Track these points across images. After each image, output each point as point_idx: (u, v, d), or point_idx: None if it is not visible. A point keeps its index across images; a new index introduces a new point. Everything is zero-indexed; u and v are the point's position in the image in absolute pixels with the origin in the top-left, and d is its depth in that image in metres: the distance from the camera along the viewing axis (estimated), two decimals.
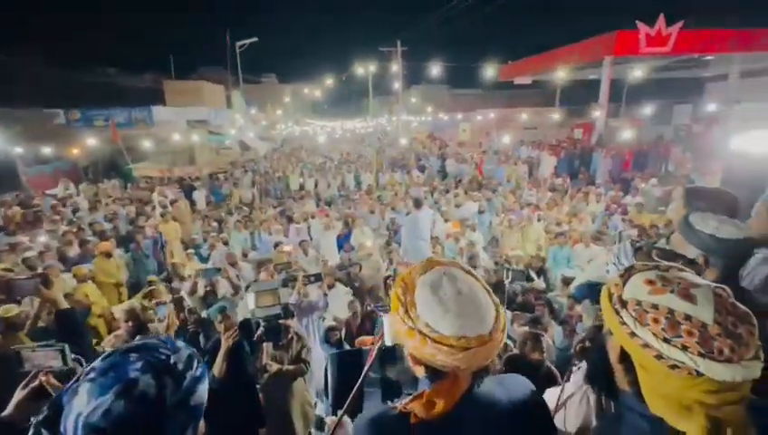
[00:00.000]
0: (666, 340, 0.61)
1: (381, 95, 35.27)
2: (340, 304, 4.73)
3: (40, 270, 5.41)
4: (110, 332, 4.49)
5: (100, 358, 0.62)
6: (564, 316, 4.26)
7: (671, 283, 0.66)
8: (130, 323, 2.78)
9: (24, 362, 1.10)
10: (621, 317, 0.67)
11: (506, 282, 3.08)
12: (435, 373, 0.78)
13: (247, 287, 5.24)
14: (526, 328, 3.14)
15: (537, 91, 24.27)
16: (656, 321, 0.63)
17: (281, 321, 2.84)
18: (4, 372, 1.15)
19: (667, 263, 0.75)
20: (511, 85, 20.37)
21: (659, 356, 0.62)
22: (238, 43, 21.19)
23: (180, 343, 0.67)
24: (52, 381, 1.06)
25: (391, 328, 1.29)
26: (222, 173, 14.60)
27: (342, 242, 7.63)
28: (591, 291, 1.28)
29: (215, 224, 9.12)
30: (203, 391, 0.65)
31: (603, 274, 1.31)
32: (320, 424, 1.78)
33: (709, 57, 13.39)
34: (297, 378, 3.01)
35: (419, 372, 0.82)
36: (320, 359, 3.56)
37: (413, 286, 0.79)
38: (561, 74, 15.87)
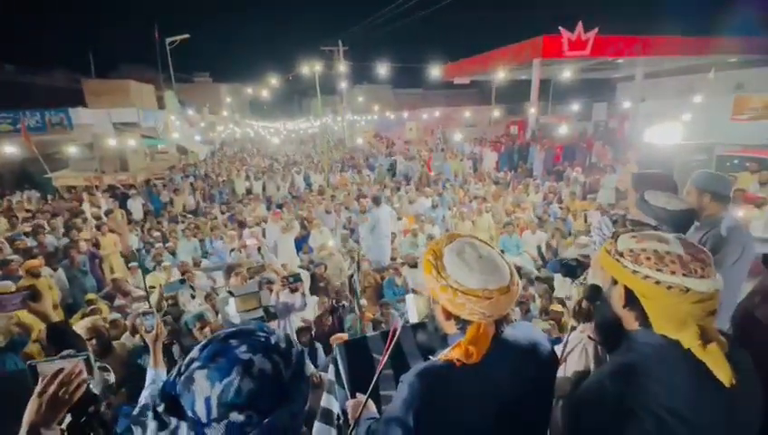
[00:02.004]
0: (658, 270, 0.84)
1: (325, 95, 34.94)
2: (309, 305, 4.71)
3: None
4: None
5: (197, 348, 0.65)
6: (520, 297, 4.65)
7: (649, 235, 0.92)
8: (94, 341, 2.57)
9: (40, 375, 1.05)
10: (621, 263, 0.90)
11: None
12: (463, 326, 0.95)
13: (207, 296, 5.02)
14: None
15: (476, 91, 25.70)
16: (648, 259, 0.86)
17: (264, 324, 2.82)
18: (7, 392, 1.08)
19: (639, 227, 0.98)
20: (452, 85, 21.33)
21: (657, 282, 0.84)
22: (168, 40, 19.75)
23: (271, 327, 0.72)
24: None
25: (416, 304, 1.40)
26: (159, 179, 13.58)
27: (300, 244, 7.54)
28: (562, 266, 1.48)
29: (157, 234, 8.51)
30: (308, 362, 0.71)
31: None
32: (327, 415, 1.77)
33: (620, 60, 15.12)
34: None
35: (450, 327, 0.99)
36: None
37: (441, 254, 0.96)
38: (496, 75, 16.94)
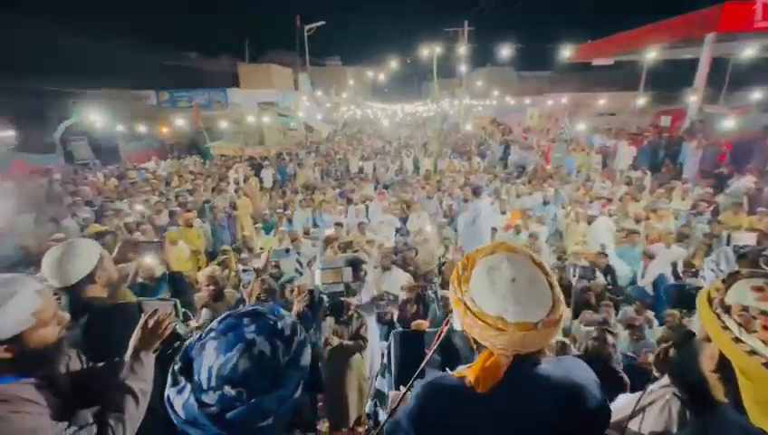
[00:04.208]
0: None
1: (444, 78, 34.35)
2: (395, 286, 4.84)
3: (137, 234, 6.24)
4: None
5: (217, 320, 0.73)
6: (630, 319, 3.97)
7: None
8: (211, 287, 3.12)
9: (145, 311, 1.34)
10: (723, 322, 0.65)
11: (573, 280, 2.93)
12: (478, 347, 0.86)
13: (308, 263, 5.56)
14: (590, 328, 2.99)
15: (617, 74, 21.96)
16: (765, 328, 0.61)
17: (343, 298, 3.01)
18: (126, 318, 1.39)
19: None
20: (586, 67, 18.65)
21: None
22: (306, 27, 21.76)
23: (284, 312, 0.77)
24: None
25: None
26: (288, 154, 15.36)
27: (399, 226, 7.73)
28: (679, 294, 1.19)
29: (280, 202, 9.70)
30: (308, 353, 0.74)
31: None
32: (380, 397, 1.90)
33: None
34: (355, 353, 3.18)
35: (472, 343, 0.91)
36: (374, 337, 3.71)
37: (473, 264, 0.87)
38: (649, 54, 14.22)
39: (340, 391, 3.17)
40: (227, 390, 0.64)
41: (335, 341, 3.03)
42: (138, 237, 5.88)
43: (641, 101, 16.09)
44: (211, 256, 7.02)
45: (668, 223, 6.99)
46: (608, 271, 5.80)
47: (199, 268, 6.13)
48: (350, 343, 3.09)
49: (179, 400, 0.65)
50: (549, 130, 17.93)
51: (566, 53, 15.42)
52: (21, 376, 1.11)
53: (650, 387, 0.98)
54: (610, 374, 2.11)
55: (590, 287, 5.06)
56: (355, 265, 4.38)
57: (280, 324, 0.72)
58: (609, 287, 5.48)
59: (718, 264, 1.05)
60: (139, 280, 4.19)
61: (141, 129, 13.87)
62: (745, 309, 0.64)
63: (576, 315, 4.63)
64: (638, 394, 0.99)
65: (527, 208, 7.90)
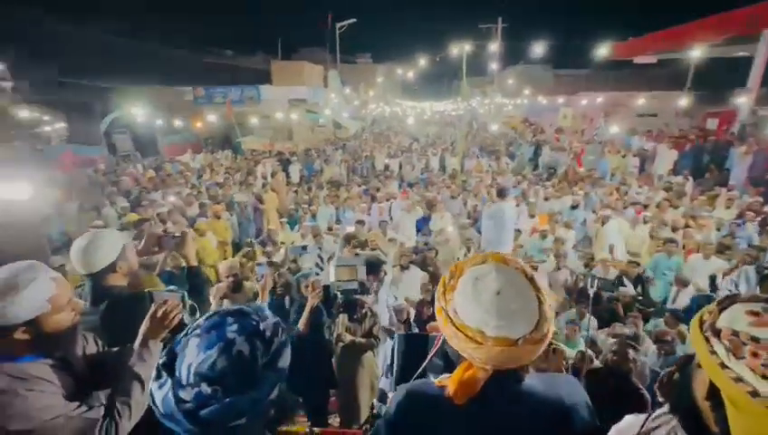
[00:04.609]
0: (766, 377, 0.54)
1: (475, 76, 33.69)
2: (413, 285, 4.82)
3: (169, 224, 6.52)
4: (217, 282, 5.27)
5: (204, 317, 0.74)
6: (660, 333, 3.74)
7: None
8: (231, 278, 3.21)
9: (156, 301, 1.40)
10: (711, 345, 0.61)
11: (590, 291, 2.81)
12: (458, 357, 0.84)
13: (329, 259, 5.63)
14: (614, 340, 2.85)
15: (660, 72, 20.73)
16: (755, 355, 0.56)
17: (357, 296, 3.03)
18: (139, 307, 1.45)
19: None
20: (626, 65, 17.75)
21: (755, 393, 0.54)
22: (338, 25, 21.96)
23: (268, 313, 0.77)
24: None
25: None
26: (315, 150, 15.59)
27: (421, 225, 7.68)
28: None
29: (305, 197, 9.86)
30: (287, 355, 0.74)
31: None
32: (382, 397, 1.91)
33: None
34: (367, 351, 3.19)
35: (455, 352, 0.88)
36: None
37: (461, 273, 0.84)
38: (696, 52, 13.36)
39: (352, 389, 3.19)
40: (204, 387, 0.65)
41: (347, 338, 3.05)
42: (168, 228, 6.16)
43: (686, 101, 15.13)
44: (237, 247, 7.24)
45: (709, 233, 6.55)
46: (638, 281, 5.53)
47: (225, 259, 6.35)
48: (363, 340, 3.09)
49: (159, 394, 0.66)
50: (583, 130, 17.23)
51: (604, 50, 14.72)
52: (38, 357, 1.18)
53: (657, 411, 0.91)
54: (629, 390, 2.00)
55: (617, 297, 4.84)
56: (374, 264, 4.41)
57: (262, 326, 0.73)
58: (640, 298, 5.22)
59: (737, 284, 0.96)
60: (167, 269, 4.41)
61: (178, 123, 14.48)
62: (736, 334, 0.59)
63: (601, 326, 4.44)
64: (642, 417, 0.93)
65: (555, 212, 7.65)
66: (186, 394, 0.65)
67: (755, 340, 0.56)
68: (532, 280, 0.81)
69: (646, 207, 7.82)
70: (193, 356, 0.68)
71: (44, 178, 9.07)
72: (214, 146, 17.48)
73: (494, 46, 17.94)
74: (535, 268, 5.28)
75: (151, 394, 0.68)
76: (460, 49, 14.12)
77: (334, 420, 3.45)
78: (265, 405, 0.70)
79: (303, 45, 34.12)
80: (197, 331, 0.71)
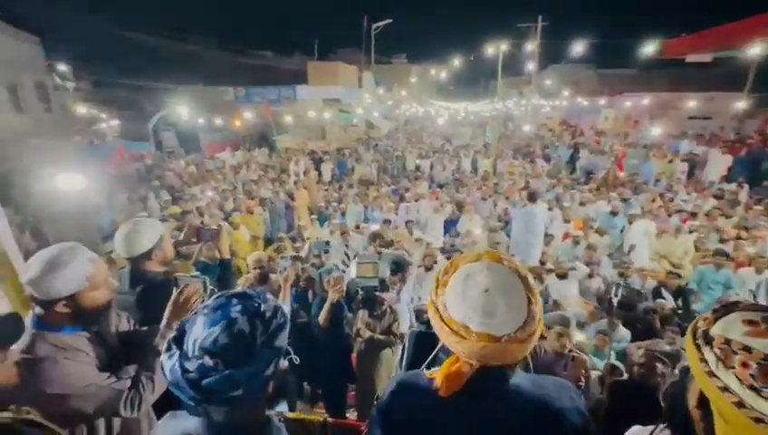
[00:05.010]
0: (753, 388, 0.52)
1: (513, 76, 32.79)
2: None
3: (206, 217, 6.87)
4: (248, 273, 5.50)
5: (212, 298, 0.80)
6: None
7: None
8: (258, 270, 3.35)
9: (179, 285, 1.51)
10: (702, 353, 0.60)
11: (614, 299, 2.69)
12: (448, 351, 0.86)
13: (355, 256, 5.70)
14: (642, 352, 2.70)
15: (715, 72, 19.19)
16: (744, 365, 0.54)
17: (377, 293, 3.06)
18: (168, 291, 1.56)
19: None
20: (676, 64, 16.58)
21: (740, 404, 0.53)
22: (374, 25, 22.15)
23: (270, 296, 0.82)
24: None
25: None
26: (347, 149, 15.81)
27: (449, 226, 7.61)
28: None
29: (335, 195, 10.04)
30: (284, 336, 0.79)
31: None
32: None
33: None
34: (386, 348, 3.22)
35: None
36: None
37: (456, 268, 0.85)
38: (756, 50, 12.30)
39: (370, 384, 3.23)
40: (206, 360, 0.71)
41: (366, 333, 3.09)
42: (205, 220, 6.49)
43: (744, 104, 14.00)
44: (269, 242, 7.50)
45: (764, 245, 6.04)
46: (680, 293, 5.19)
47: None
48: (382, 337, 3.13)
49: (168, 364, 0.73)
50: (627, 133, 16.35)
51: (652, 48, 13.86)
52: (76, 329, 1.30)
53: (663, 424, 0.88)
54: (651, 404, 1.90)
55: (654, 309, 4.58)
56: (400, 265, 4.43)
57: (263, 307, 0.78)
58: (680, 312, 4.91)
59: (756, 295, 0.90)
60: (202, 259, 4.67)
61: (218, 122, 15.18)
62: (728, 342, 0.57)
63: (637, 338, 4.22)
64: (650, 428, 0.90)
65: (591, 219, 7.33)
66: (190, 365, 0.71)
67: (747, 350, 0.55)
68: (524, 280, 0.81)
69: (693, 215, 7.33)
70: (199, 332, 0.74)
71: (98, 171, 9.82)
72: (251, 144, 18.16)
73: (533, 45, 17.39)
74: (566, 275, 5.09)
75: (162, 364, 0.75)
76: (496, 48, 13.82)
77: (352, 414, 3.50)
78: (262, 380, 0.75)
79: (340, 46, 34.66)
80: (205, 310, 0.77)
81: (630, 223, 6.22)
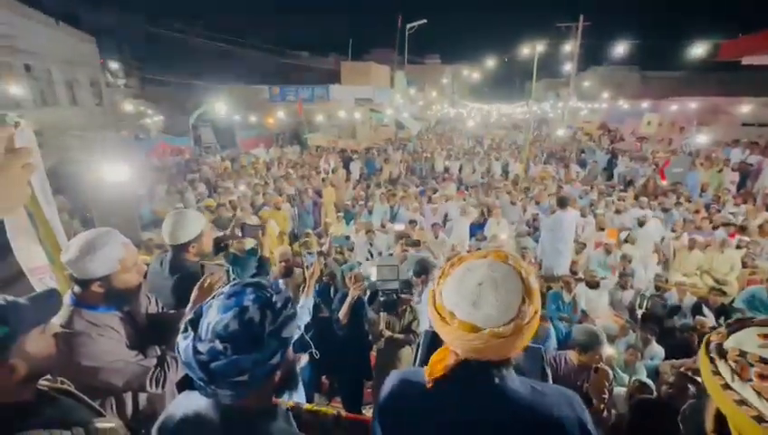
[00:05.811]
0: None
1: (552, 78, 31.77)
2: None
3: (238, 211, 7.12)
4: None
5: (228, 285, 0.84)
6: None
7: None
8: (283, 264, 3.44)
9: (205, 272, 1.59)
10: (716, 366, 0.57)
11: (639, 311, 2.56)
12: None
13: (380, 254, 5.73)
14: (674, 371, 2.56)
15: None
16: (762, 377, 0.52)
17: (397, 295, 3.07)
18: (196, 278, 1.64)
19: None
20: (729, 67, 15.47)
21: (760, 419, 0.50)
22: (408, 26, 22.12)
23: (283, 287, 0.86)
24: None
25: None
26: (376, 148, 15.90)
27: (476, 230, 7.48)
28: None
29: (363, 194, 10.12)
30: (293, 326, 0.82)
31: None
32: None
33: None
34: (405, 346, 3.22)
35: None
36: None
37: (460, 263, 0.88)
38: None
39: None
40: (217, 344, 0.74)
41: (386, 332, 3.10)
42: (238, 214, 6.74)
43: None
44: (295, 237, 7.67)
45: None
46: (723, 311, 4.86)
47: None
48: (400, 336, 3.13)
49: (183, 344, 0.77)
50: (671, 140, 15.46)
51: (702, 49, 13.00)
52: (108, 308, 1.40)
53: None
54: (676, 426, 1.79)
55: (694, 326, 4.32)
56: (424, 267, 4.43)
57: (275, 298, 0.81)
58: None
59: None
60: (232, 251, 4.85)
61: (253, 119, 15.68)
62: (743, 354, 0.54)
63: (671, 356, 3.99)
64: None
65: (626, 228, 6.99)
66: (202, 347, 0.75)
67: (764, 361, 0.52)
68: (525, 280, 0.80)
69: (743, 229, 6.83)
70: (212, 317, 0.78)
71: (141, 163, 10.41)
72: (284, 141, 18.64)
73: (571, 46, 16.78)
74: (597, 284, 4.89)
75: (177, 344, 0.79)
76: (532, 49, 13.45)
77: (369, 411, 3.53)
78: (267, 368, 0.78)
79: (375, 46, 34.91)
80: (221, 297, 0.81)
81: (641, 226, 6.00)
